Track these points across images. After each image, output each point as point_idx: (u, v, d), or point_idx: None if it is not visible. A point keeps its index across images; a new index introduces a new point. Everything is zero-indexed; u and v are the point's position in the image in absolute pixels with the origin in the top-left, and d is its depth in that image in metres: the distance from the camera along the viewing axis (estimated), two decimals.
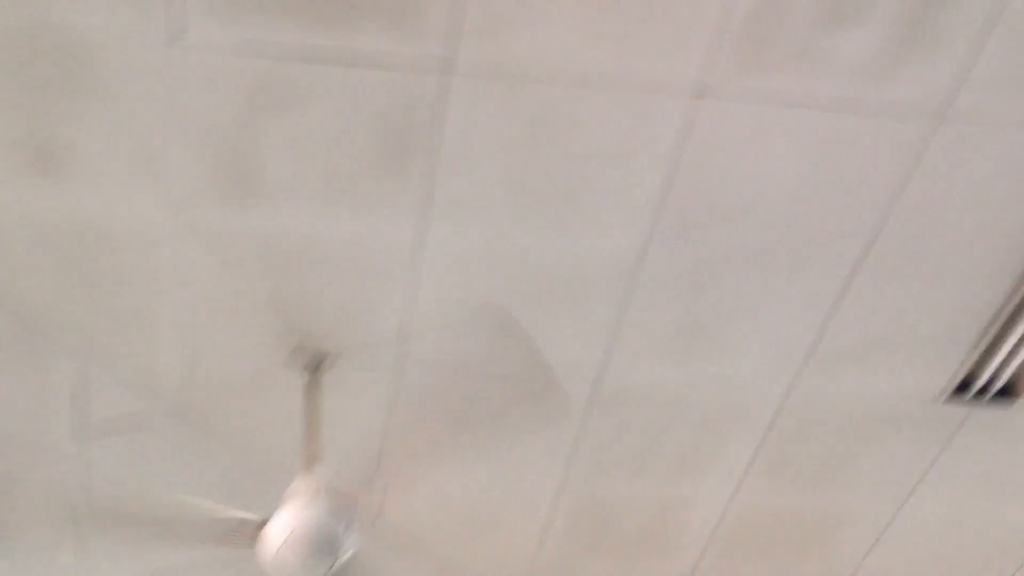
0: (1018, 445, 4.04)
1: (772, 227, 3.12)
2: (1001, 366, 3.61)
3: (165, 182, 2.94)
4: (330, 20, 2.55)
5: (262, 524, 3.05)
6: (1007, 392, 3.74)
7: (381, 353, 3.50)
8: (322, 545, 2.95)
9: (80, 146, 2.83)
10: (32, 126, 2.77)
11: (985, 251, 3.21)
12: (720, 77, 2.69)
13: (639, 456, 4.01)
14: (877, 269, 3.26)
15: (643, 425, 3.87)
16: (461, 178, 2.96)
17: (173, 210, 3.02)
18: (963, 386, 3.73)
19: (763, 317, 3.44)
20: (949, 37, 2.59)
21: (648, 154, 2.89)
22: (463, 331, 3.44)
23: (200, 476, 3.91)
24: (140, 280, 3.24)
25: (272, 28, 2.56)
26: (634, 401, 3.75)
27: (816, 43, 2.61)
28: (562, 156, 2.91)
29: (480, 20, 2.55)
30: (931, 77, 2.69)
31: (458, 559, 4.54)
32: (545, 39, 2.60)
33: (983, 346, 3.56)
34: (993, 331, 3.49)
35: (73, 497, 3.67)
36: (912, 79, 2.69)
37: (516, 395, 3.67)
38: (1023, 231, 3.14)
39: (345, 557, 3.02)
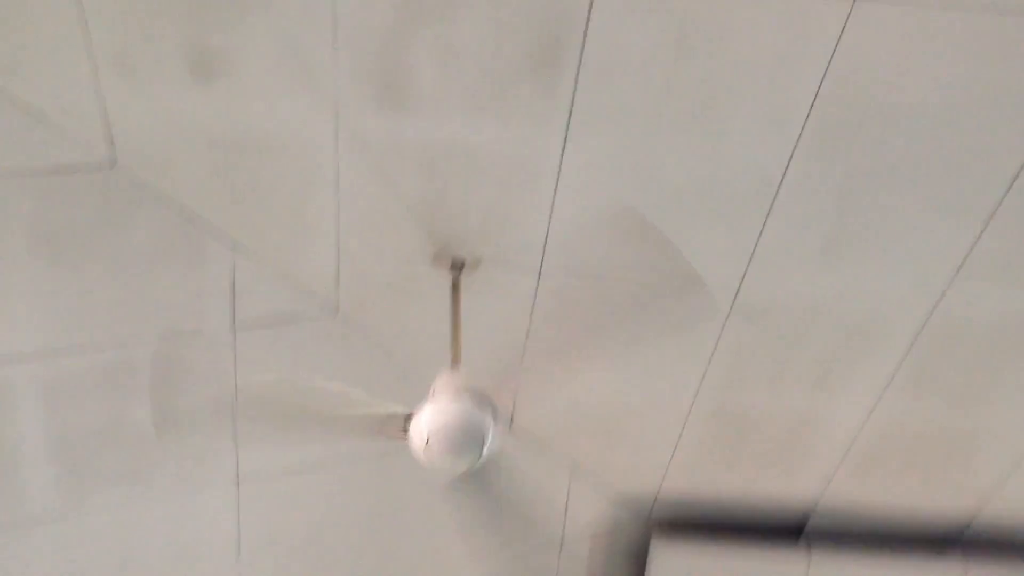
0: None
1: (925, 137, 3.04)
2: None
3: (320, 89, 3.03)
4: None
5: (410, 417, 3.14)
6: None
7: (524, 258, 3.56)
8: (470, 437, 3.04)
9: (239, 53, 2.93)
10: (194, 33, 2.87)
11: None
12: None
13: (778, 367, 4.00)
14: None
15: (783, 335, 3.85)
16: (607, 88, 2.96)
17: (328, 116, 3.10)
18: None
19: (912, 230, 3.37)
20: None
21: (798, 61, 2.85)
22: (605, 238, 3.47)
23: (346, 371, 4.05)
24: (295, 183, 3.35)
25: None
26: (775, 311, 3.73)
27: None
28: (709, 65, 2.89)
29: None
30: None
31: (591, 463, 4.62)
32: None
33: None
34: None
35: (230, 386, 3.85)
36: None
37: (656, 301, 3.69)
38: None
39: (491, 451, 3.10)
